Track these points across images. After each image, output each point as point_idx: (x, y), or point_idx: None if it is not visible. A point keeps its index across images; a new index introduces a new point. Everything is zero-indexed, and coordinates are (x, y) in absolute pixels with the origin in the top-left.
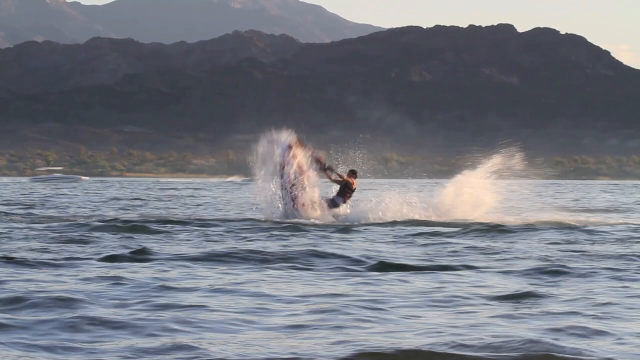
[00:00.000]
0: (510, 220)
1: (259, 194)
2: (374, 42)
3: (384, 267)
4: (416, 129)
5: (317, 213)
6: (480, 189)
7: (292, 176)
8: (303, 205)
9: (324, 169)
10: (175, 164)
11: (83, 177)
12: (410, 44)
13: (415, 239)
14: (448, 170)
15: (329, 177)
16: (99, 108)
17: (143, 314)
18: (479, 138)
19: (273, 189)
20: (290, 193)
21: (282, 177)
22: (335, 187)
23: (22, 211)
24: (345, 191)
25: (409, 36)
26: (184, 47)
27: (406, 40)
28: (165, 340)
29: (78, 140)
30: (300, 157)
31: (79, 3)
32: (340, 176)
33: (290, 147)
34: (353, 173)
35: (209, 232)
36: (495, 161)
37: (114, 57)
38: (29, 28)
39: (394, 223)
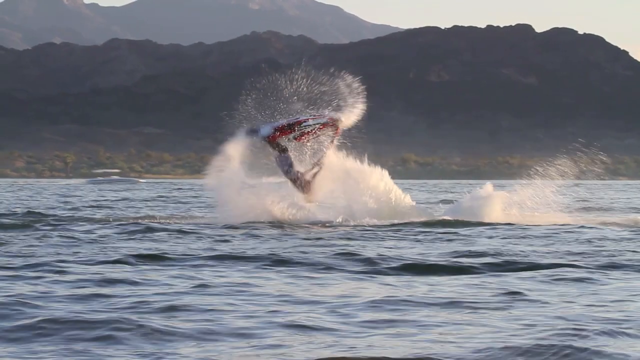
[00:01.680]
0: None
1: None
2: (392, 42)
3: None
4: (434, 129)
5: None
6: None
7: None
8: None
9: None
10: (194, 165)
11: (140, 180)
12: (428, 44)
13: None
14: (467, 171)
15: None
16: (117, 109)
17: None
18: (496, 138)
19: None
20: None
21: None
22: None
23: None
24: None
25: (427, 37)
26: (202, 48)
27: (424, 40)
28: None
29: (96, 141)
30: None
31: (97, 4)
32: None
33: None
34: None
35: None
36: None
37: (132, 58)
38: (47, 29)
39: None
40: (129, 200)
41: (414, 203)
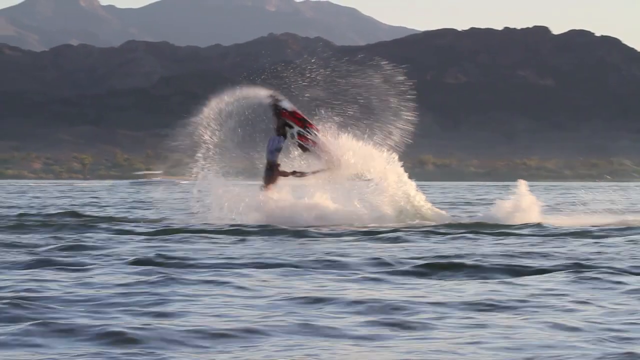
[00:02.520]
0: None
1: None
2: (409, 44)
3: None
4: (451, 131)
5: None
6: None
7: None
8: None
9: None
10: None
11: (181, 181)
12: (445, 46)
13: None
14: (484, 173)
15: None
16: (134, 111)
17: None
18: (513, 140)
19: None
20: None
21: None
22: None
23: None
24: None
25: (444, 38)
26: (219, 50)
27: (441, 42)
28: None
29: (114, 143)
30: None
31: (114, 6)
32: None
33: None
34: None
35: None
36: None
37: (149, 60)
38: (64, 31)
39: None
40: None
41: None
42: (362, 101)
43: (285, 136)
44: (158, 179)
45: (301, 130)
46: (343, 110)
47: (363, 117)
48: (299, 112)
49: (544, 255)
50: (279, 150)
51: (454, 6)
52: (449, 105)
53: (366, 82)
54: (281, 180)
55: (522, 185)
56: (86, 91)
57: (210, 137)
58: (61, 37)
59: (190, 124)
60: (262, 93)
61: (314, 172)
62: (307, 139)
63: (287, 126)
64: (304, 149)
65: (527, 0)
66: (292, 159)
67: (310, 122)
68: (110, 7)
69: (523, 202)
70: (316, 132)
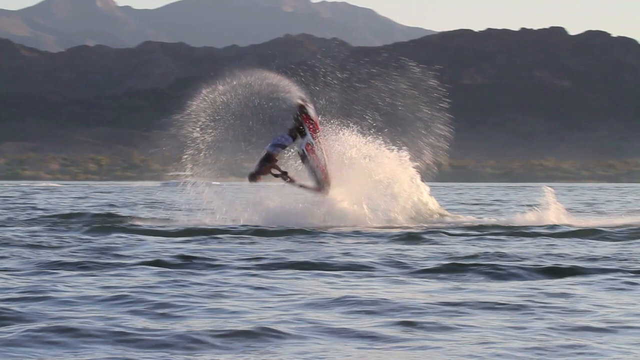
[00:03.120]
0: None
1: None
2: (426, 45)
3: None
4: (468, 132)
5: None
6: None
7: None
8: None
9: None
10: (225, 167)
11: (213, 182)
12: (461, 47)
13: None
14: (501, 174)
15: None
16: (151, 112)
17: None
18: (530, 141)
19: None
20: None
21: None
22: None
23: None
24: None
25: (461, 39)
26: (236, 50)
27: (458, 43)
28: None
29: (130, 144)
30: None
31: (131, 7)
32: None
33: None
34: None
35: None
36: None
37: (165, 61)
38: (81, 32)
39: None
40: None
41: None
42: (386, 108)
43: (294, 139)
44: (190, 179)
45: (311, 141)
46: (363, 119)
47: (387, 127)
48: (319, 125)
49: (571, 257)
50: (282, 147)
51: (471, 7)
52: (466, 106)
53: (390, 86)
54: (267, 176)
55: (549, 193)
56: (103, 92)
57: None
58: (78, 38)
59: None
60: (293, 90)
61: (301, 186)
62: (313, 152)
63: (301, 133)
64: (304, 160)
65: (543, 1)
66: (285, 160)
67: (324, 140)
68: (127, 8)
69: (550, 214)
70: (324, 152)
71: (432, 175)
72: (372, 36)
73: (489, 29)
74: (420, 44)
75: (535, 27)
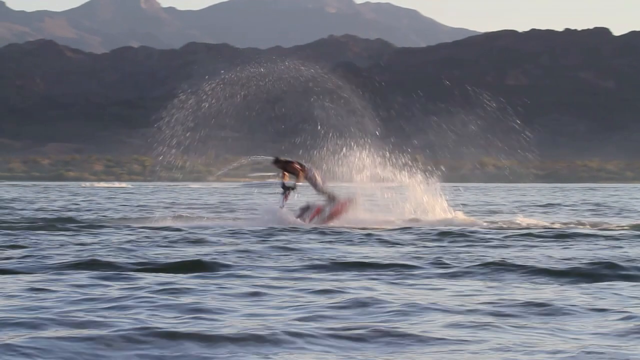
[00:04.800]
0: None
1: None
2: (470, 46)
3: None
4: (511, 133)
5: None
6: None
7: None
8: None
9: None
10: (270, 169)
11: (297, 183)
12: (505, 48)
13: None
14: (545, 175)
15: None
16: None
17: None
18: (574, 142)
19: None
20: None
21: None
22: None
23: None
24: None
25: (505, 40)
26: (280, 51)
27: (502, 44)
28: None
29: (174, 145)
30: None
31: (175, 8)
32: (287, 189)
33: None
34: (281, 163)
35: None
36: None
37: (209, 62)
38: (125, 33)
39: None
40: None
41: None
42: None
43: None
44: (272, 180)
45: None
46: None
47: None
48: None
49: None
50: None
51: (515, 8)
52: (510, 107)
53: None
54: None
55: None
56: (147, 93)
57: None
58: (122, 39)
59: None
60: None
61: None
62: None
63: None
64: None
65: (587, 1)
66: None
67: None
68: (171, 9)
69: None
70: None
71: (476, 175)
72: (416, 37)
73: (533, 30)
74: (464, 44)
75: (579, 28)
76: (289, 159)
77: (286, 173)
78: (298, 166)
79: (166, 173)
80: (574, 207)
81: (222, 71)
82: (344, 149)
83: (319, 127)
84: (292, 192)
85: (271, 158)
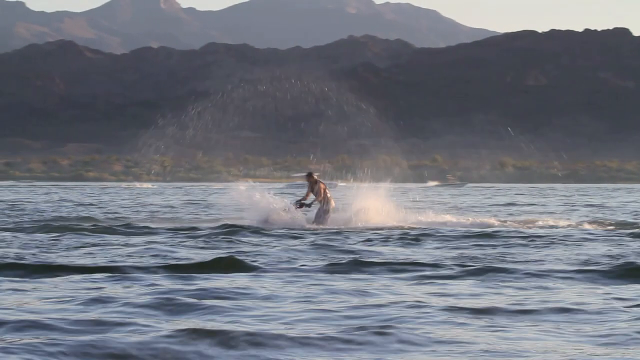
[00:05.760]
0: None
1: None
2: (489, 46)
3: None
4: (531, 133)
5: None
6: None
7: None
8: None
9: (303, 205)
10: (291, 169)
11: (340, 183)
12: (525, 48)
13: None
14: (565, 175)
15: (308, 205)
16: (215, 113)
17: None
18: (594, 142)
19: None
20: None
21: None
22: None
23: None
24: (325, 198)
25: (524, 40)
26: (299, 52)
27: (521, 44)
28: None
29: (194, 145)
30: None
31: (195, 9)
32: (306, 196)
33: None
34: (310, 176)
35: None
36: None
37: (229, 62)
38: (144, 34)
39: None
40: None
41: None
42: None
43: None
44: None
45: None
46: None
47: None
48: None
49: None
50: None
51: (535, 8)
52: (529, 107)
53: None
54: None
55: None
56: (166, 93)
57: None
58: (142, 39)
59: None
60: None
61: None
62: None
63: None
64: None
65: (607, 1)
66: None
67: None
68: (191, 10)
69: None
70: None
71: (496, 175)
72: (436, 37)
73: (553, 30)
74: (484, 45)
75: (599, 28)
76: (318, 179)
77: (311, 191)
78: (323, 185)
79: (185, 174)
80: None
81: (242, 72)
82: (361, 148)
83: (336, 127)
84: (304, 208)
85: (304, 173)
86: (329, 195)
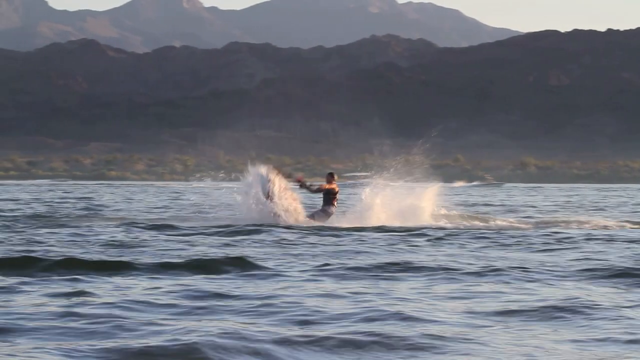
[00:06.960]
0: None
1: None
2: (512, 46)
3: None
4: (554, 133)
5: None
6: None
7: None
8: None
9: (304, 187)
10: (313, 168)
11: (391, 183)
12: (548, 48)
13: None
14: (587, 175)
15: (311, 191)
16: (237, 113)
17: None
18: (616, 142)
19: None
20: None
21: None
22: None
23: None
24: (331, 197)
25: (547, 40)
26: (322, 51)
27: (544, 44)
28: None
29: (216, 144)
30: (279, 181)
31: (217, 8)
32: (320, 187)
33: (269, 180)
34: (331, 176)
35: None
36: None
37: (251, 61)
38: (167, 33)
39: None
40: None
41: None
42: None
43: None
44: (367, 180)
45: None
46: None
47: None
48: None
49: None
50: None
51: (557, 8)
52: (552, 107)
53: None
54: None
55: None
56: (189, 93)
57: None
58: (164, 38)
59: None
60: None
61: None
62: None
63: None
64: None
65: (630, 1)
66: None
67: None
68: (213, 9)
69: None
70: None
71: (518, 175)
72: (458, 37)
73: (575, 30)
74: (506, 45)
75: (621, 28)
76: (336, 182)
77: (326, 185)
78: (337, 190)
79: (207, 173)
80: None
81: (264, 71)
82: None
83: (358, 127)
84: (304, 188)
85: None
86: (336, 200)
